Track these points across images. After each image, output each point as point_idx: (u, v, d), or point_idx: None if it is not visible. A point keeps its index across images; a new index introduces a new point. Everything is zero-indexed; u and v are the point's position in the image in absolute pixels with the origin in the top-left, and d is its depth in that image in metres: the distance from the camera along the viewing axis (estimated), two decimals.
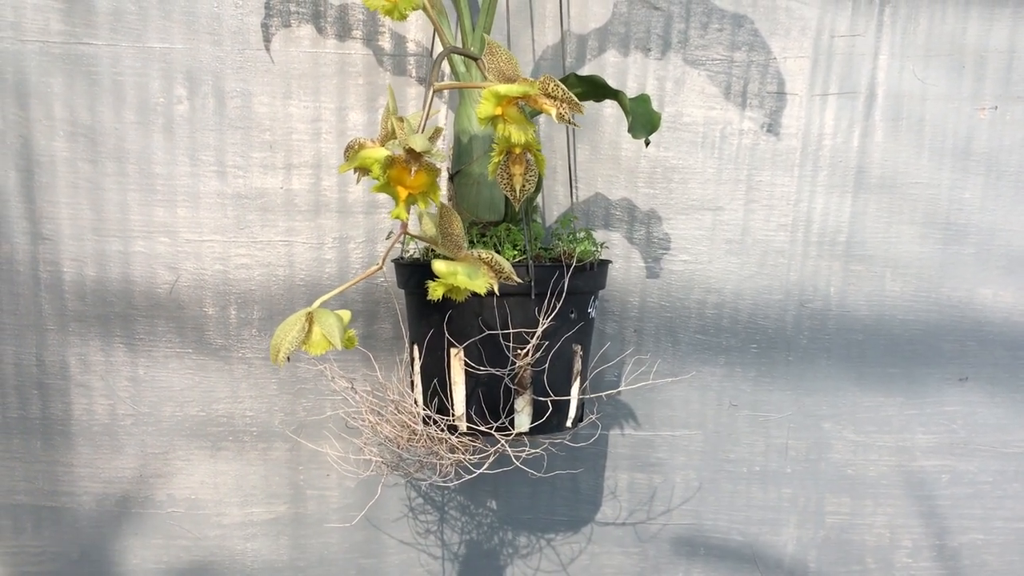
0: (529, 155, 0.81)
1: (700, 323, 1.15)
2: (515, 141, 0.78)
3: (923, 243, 1.15)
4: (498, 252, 0.91)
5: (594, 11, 1.08)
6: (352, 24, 1.06)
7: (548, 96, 0.78)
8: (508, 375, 0.90)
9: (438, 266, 0.80)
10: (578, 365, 0.95)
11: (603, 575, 1.21)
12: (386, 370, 1.10)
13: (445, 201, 0.92)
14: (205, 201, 1.09)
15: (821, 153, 1.12)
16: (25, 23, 1.03)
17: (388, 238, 1.08)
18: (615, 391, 1.14)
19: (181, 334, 1.11)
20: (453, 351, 0.91)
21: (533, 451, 0.95)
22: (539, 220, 1.07)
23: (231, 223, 1.09)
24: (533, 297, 0.89)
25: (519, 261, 0.90)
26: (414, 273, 0.92)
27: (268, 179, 1.09)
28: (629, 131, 0.86)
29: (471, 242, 0.93)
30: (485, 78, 0.80)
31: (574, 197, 1.11)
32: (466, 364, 0.90)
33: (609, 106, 1.10)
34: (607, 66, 1.09)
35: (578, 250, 0.94)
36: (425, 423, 0.94)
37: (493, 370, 0.90)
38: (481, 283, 0.80)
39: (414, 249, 0.99)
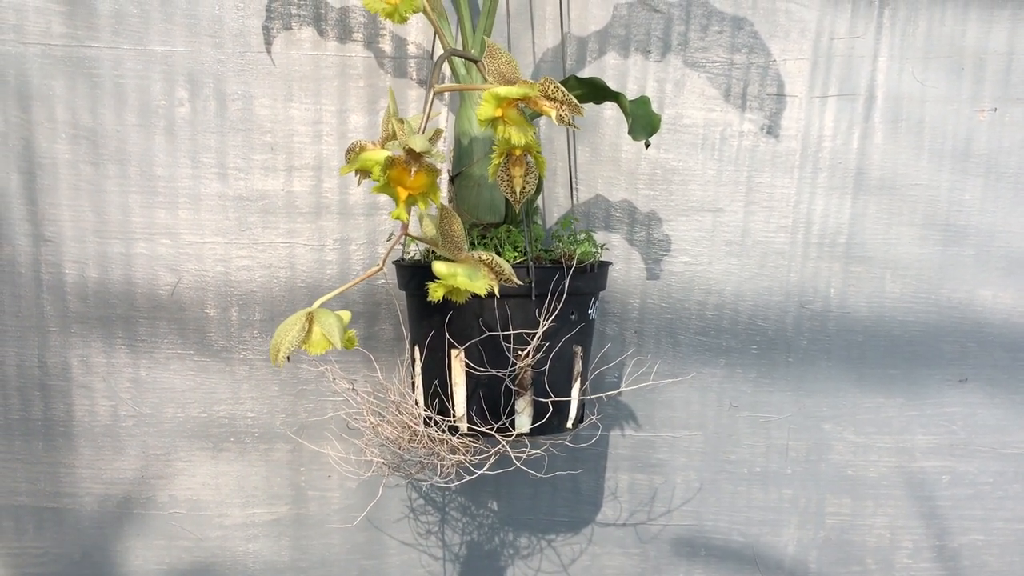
0: (529, 157, 0.82)
1: (700, 324, 1.16)
2: (515, 143, 0.78)
3: (923, 244, 1.15)
4: (498, 254, 0.91)
5: (594, 14, 1.08)
6: (353, 27, 1.07)
7: (548, 98, 0.78)
8: (509, 376, 0.90)
9: (438, 267, 0.80)
10: (578, 366, 0.96)
11: None
12: (387, 371, 1.11)
13: (445, 203, 0.92)
14: (206, 203, 1.09)
15: (821, 155, 1.12)
16: (27, 26, 1.04)
17: (389, 240, 1.08)
18: (616, 392, 1.14)
19: (183, 335, 1.12)
20: (454, 352, 0.91)
21: (534, 452, 0.96)
22: (539, 222, 1.07)
23: (232, 225, 1.10)
24: (533, 298, 0.89)
25: (519, 263, 0.91)
26: (415, 275, 0.93)
27: (269, 181, 1.09)
28: (629, 133, 0.86)
29: (471, 244, 0.93)
30: (485, 80, 0.80)
31: (574, 199, 1.11)
32: (467, 365, 0.91)
33: (609, 108, 1.10)
34: (607, 68, 1.10)
35: (578, 251, 0.95)
36: (426, 424, 0.94)
37: (494, 371, 0.90)
38: (481, 284, 0.80)
39: (415, 251, 0.99)
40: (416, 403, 0.97)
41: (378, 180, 0.75)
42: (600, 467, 1.19)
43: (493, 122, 0.78)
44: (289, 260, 1.11)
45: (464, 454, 0.95)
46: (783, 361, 1.17)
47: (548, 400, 0.92)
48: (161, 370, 1.12)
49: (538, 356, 0.90)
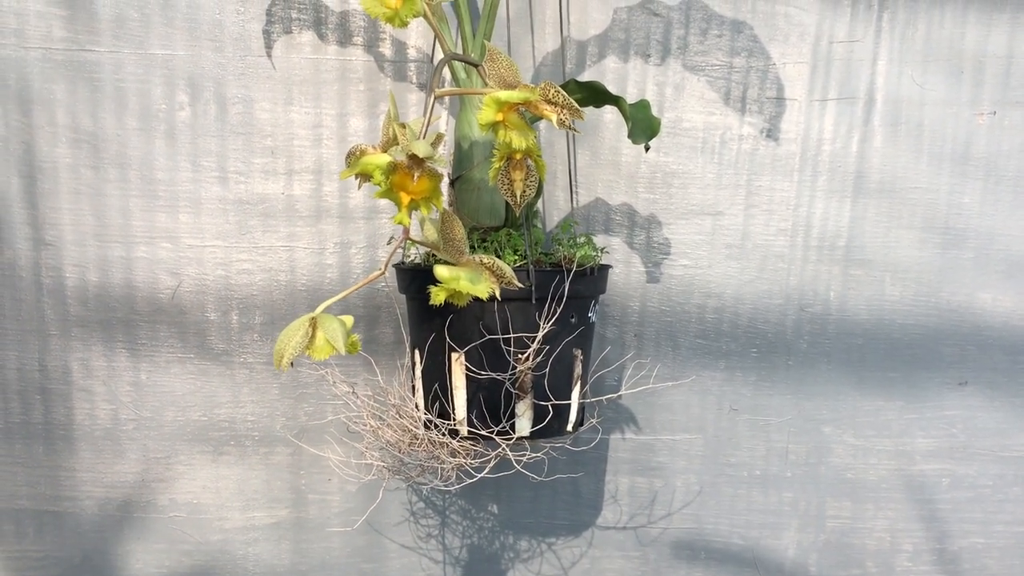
0: (530, 161, 0.82)
1: (700, 327, 1.16)
2: (516, 147, 0.78)
3: (922, 247, 1.15)
4: (499, 257, 0.91)
5: (594, 17, 1.09)
6: (353, 31, 1.07)
7: (549, 102, 0.78)
8: (509, 379, 0.90)
9: (440, 271, 0.80)
10: (578, 369, 0.96)
11: None
12: (387, 375, 1.11)
13: (446, 206, 0.92)
14: (207, 207, 1.09)
15: (820, 158, 1.13)
16: (28, 30, 1.04)
17: (389, 243, 1.08)
18: (615, 395, 1.14)
19: (183, 339, 1.12)
20: (454, 356, 0.91)
21: (534, 455, 0.96)
22: (540, 225, 1.07)
23: (233, 228, 1.10)
24: (534, 302, 0.89)
25: (520, 266, 0.91)
26: (415, 278, 0.93)
27: (270, 185, 1.09)
28: (629, 137, 0.86)
29: (472, 247, 0.93)
30: (486, 84, 0.80)
31: (574, 202, 1.11)
32: (467, 368, 0.91)
33: (609, 112, 1.10)
34: (607, 72, 1.10)
35: (578, 255, 0.95)
36: (426, 427, 0.94)
37: (494, 374, 0.90)
38: (482, 288, 0.80)
39: (415, 254, 0.99)
40: (416, 406, 0.97)
41: (380, 185, 0.75)
42: (600, 470, 1.19)
43: (494, 126, 0.78)
44: (289, 264, 1.11)
45: (464, 457, 0.95)
46: (783, 364, 1.17)
47: (548, 403, 0.92)
48: (161, 374, 1.12)
49: (538, 359, 0.90)
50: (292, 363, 0.78)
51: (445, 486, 0.99)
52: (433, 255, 0.92)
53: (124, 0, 1.04)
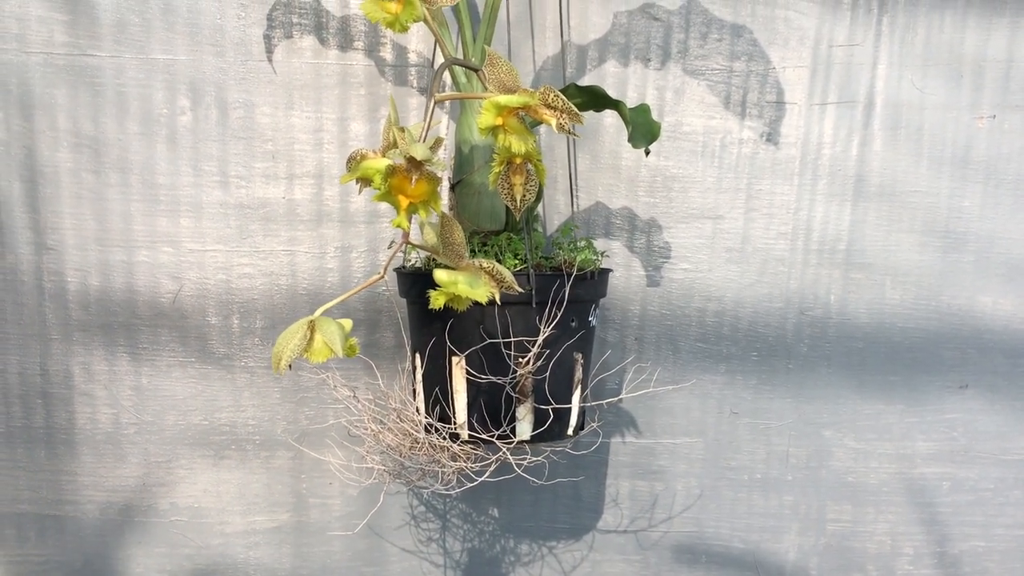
0: (529, 165, 0.82)
1: (701, 331, 1.16)
2: (516, 151, 0.78)
3: (922, 251, 1.15)
4: (499, 261, 0.91)
5: (594, 22, 1.09)
6: (354, 35, 1.07)
7: (548, 107, 0.78)
8: (509, 383, 0.90)
9: (439, 275, 0.80)
10: (579, 373, 0.96)
11: None
12: (388, 379, 1.11)
13: (446, 211, 0.92)
14: (208, 211, 1.09)
15: (820, 162, 1.13)
16: (30, 35, 1.04)
17: (390, 247, 1.09)
18: (616, 399, 1.14)
19: (184, 343, 1.12)
20: (455, 359, 0.91)
21: (535, 459, 0.96)
22: (540, 229, 1.07)
23: (234, 233, 1.10)
24: (534, 306, 0.89)
25: (520, 270, 0.91)
26: (416, 282, 0.93)
27: (270, 189, 1.09)
28: (629, 141, 0.86)
29: (472, 251, 0.93)
30: (486, 89, 0.80)
31: (575, 206, 1.11)
32: (468, 372, 0.91)
33: (609, 116, 1.10)
34: (607, 76, 1.10)
35: (579, 259, 0.95)
36: (427, 431, 0.94)
37: (494, 378, 0.90)
38: (482, 292, 0.81)
39: (415, 258, 1.00)
40: (417, 410, 0.97)
41: (379, 188, 0.75)
42: (601, 474, 1.19)
43: (494, 131, 0.78)
44: (290, 268, 1.11)
45: (465, 461, 0.95)
46: (783, 368, 1.17)
47: (549, 407, 0.92)
48: (163, 378, 1.13)
49: (539, 363, 0.90)
50: (290, 366, 0.78)
51: (446, 490, 0.99)
52: (433, 259, 0.92)
53: (125, 5, 1.05)
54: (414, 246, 0.85)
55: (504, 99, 0.77)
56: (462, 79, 0.94)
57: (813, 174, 1.13)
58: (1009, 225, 1.15)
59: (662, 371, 1.16)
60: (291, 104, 1.08)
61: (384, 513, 1.17)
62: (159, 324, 1.11)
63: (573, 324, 0.93)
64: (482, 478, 0.94)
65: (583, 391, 0.97)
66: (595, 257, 0.97)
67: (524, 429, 0.92)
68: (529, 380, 0.91)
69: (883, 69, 1.11)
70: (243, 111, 1.08)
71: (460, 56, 0.94)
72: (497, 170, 0.81)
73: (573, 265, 0.93)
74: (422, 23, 0.83)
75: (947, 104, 1.12)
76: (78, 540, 1.16)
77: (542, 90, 0.78)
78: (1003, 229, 1.15)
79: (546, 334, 0.89)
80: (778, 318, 1.16)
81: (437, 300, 0.80)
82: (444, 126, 1.09)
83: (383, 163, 0.78)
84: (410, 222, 0.76)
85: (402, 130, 0.79)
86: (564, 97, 0.78)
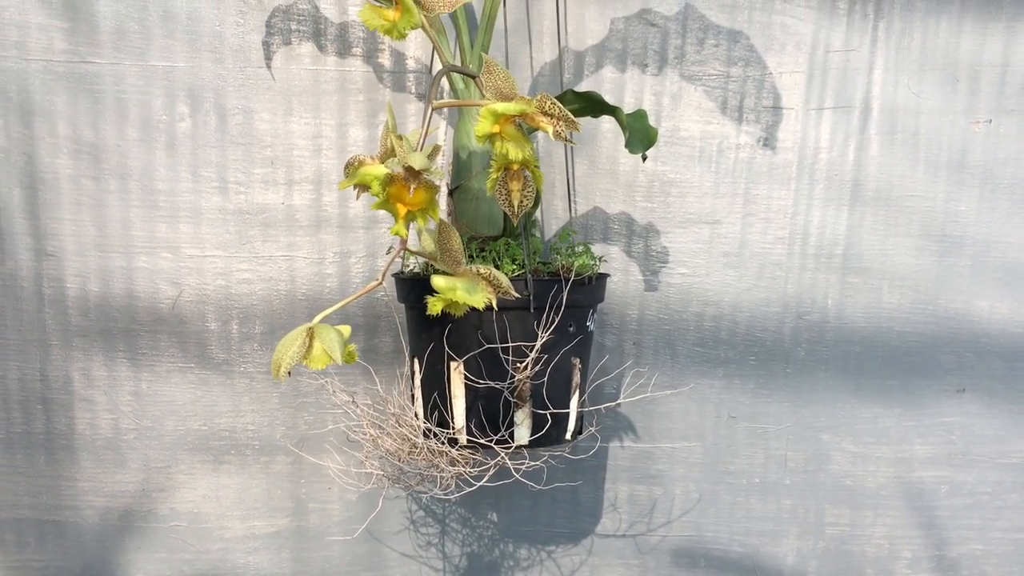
0: (527, 171, 0.82)
1: (698, 336, 1.16)
2: (513, 158, 0.79)
3: (919, 255, 1.15)
4: (497, 267, 0.92)
5: (591, 28, 1.09)
6: (352, 42, 1.08)
7: (545, 114, 0.79)
8: (508, 388, 0.91)
9: (437, 281, 0.80)
10: (577, 378, 0.96)
11: None
12: (387, 384, 1.11)
13: (444, 216, 0.93)
14: (207, 217, 1.09)
15: (817, 166, 1.13)
16: (29, 42, 1.05)
17: (388, 253, 1.09)
18: (614, 403, 1.15)
19: (183, 349, 1.12)
20: (453, 365, 0.91)
21: (533, 464, 0.96)
22: (538, 235, 1.08)
23: (233, 238, 1.10)
24: (532, 311, 0.89)
25: (518, 275, 0.91)
26: (414, 288, 0.93)
27: (269, 195, 1.10)
28: (626, 146, 0.86)
29: (470, 257, 0.94)
30: (483, 96, 0.81)
31: (572, 211, 1.12)
32: (466, 377, 0.91)
33: (607, 121, 1.11)
34: (604, 82, 1.10)
35: (576, 264, 0.95)
36: (426, 436, 0.95)
37: (493, 383, 0.90)
38: (479, 298, 0.81)
39: (414, 264, 1.00)
40: (415, 415, 0.97)
41: (377, 196, 0.75)
42: (599, 478, 1.19)
43: (491, 138, 0.78)
44: (289, 273, 1.11)
45: (463, 466, 0.95)
46: (781, 372, 1.17)
47: (547, 412, 0.92)
48: (162, 383, 1.13)
49: (537, 368, 0.90)
50: (290, 372, 0.78)
51: (444, 495, 0.99)
52: (432, 265, 0.93)
53: (125, 12, 1.05)
54: (412, 252, 0.86)
55: (501, 107, 0.78)
56: (460, 85, 0.94)
57: (810, 179, 1.13)
58: (1005, 229, 1.15)
59: (660, 375, 1.16)
60: (290, 110, 1.08)
61: (383, 518, 1.17)
62: (158, 330, 1.11)
63: (571, 329, 0.93)
64: (481, 483, 0.95)
65: (581, 396, 0.97)
66: (593, 262, 0.98)
67: (522, 434, 0.92)
68: (527, 385, 0.91)
69: (879, 74, 1.12)
70: (242, 117, 1.08)
71: (458, 62, 0.94)
72: (495, 176, 0.82)
73: (571, 270, 0.94)
74: (420, 30, 0.84)
75: (943, 109, 1.13)
76: (78, 545, 1.16)
77: (538, 98, 0.78)
78: (999, 233, 1.15)
79: (544, 339, 0.89)
80: (776, 322, 1.16)
81: (434, 306, 0.80)
82: (442, 132, 1.09)
83: (381, 169, 0.79)
84: (408, 230, 0.77)
85: (400, 138, 0.79)
86: (560, 105, 0.78)
